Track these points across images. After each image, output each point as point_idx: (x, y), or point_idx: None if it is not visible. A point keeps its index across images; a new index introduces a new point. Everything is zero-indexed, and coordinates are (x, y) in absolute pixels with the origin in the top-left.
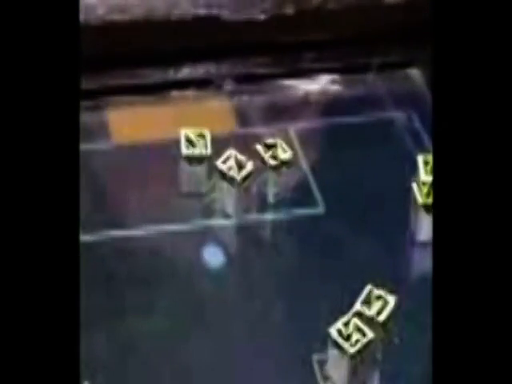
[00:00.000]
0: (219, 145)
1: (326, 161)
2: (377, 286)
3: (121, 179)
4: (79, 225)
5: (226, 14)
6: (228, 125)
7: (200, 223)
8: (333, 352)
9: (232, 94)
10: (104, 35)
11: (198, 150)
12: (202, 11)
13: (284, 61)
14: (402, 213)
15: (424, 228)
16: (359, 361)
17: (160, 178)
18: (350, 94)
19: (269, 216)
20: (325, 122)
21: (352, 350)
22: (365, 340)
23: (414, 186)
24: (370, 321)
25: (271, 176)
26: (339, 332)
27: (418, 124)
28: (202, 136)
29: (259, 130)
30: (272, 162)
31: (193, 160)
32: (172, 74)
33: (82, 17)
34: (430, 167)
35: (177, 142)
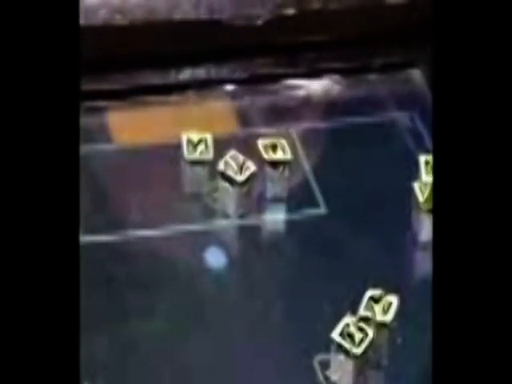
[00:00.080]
0: (221, 146)
1: (328, 162)
2: (379, 286)
3: (122, 182)
4: (79, 227)
5: (226, 15)
6: (229, 126)
7: (201, 225)
8: (336, 354)
9: (233, 95)
10: (105, 37)
11: (200, 153)
12: (203, 13)
13: (285, 62)
14: (403, 213)
15: (425, 229)
16: (364, 362)
17: (161, 180)
18: (351, 95)
19: (270, 217)
20: (327, 122)
21: (356, 351)
22: (368, 339)
23: (416, 186)
24: (373, 322)
25: (272, 177)
26: (342, 334)
27: (419, 125)
28: (203, 139)
29: (261, 131)
30: (272, 163)
31: (194, 162)
32: (173, 76)
33: (83, 19)
34: (431, 168)
35: (178, 144)
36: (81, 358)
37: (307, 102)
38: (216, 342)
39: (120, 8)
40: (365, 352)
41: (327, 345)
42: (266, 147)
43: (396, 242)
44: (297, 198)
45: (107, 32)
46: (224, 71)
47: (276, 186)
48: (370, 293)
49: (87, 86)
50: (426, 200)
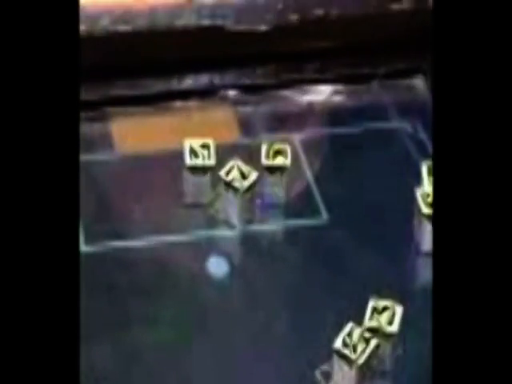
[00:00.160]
0: (223, 155)
1: (330, 169)
2: (382, 295)
3: (124, 189)
4: (79, 235)
5: (229, 23)
6: (232, 134)
7: (204, 233)
8: (339, 364)
9: (236, 102)
10: (108, 45)
11: (202, 161)
12: (205, 21)
13: (288, 70)
14: (406, 222)
15: (428, 238)
16: (366, 371)
17: (164, 189)
18: (354, 104)
19: (272, 226)
20: (329, 131)
21: (359, 361)
22: (370, 349)
23: (418, 195)
24: (376, 331)
25: (271, 183)
26: (344, 343)
27: (422, 133)
28: (205, 146)
29: (263, 138)
30: (270, 168)
31: (196, 170)
32: (175, 84)
33: (85, 27)
34: None
35: (180, 152)
36: (83, 366)
37: (310, 109)
38: (218, 350)
39: (123, 16)
40: (367, 361)
41: (330, 354)
42: (268, 152)
43: (399, 251)
44: (299, 206)
45: (110, 40)
46: (227, 78)
47: (278, 193)
48: (373, 302)
49: (90, 93)
50: (429, 209)
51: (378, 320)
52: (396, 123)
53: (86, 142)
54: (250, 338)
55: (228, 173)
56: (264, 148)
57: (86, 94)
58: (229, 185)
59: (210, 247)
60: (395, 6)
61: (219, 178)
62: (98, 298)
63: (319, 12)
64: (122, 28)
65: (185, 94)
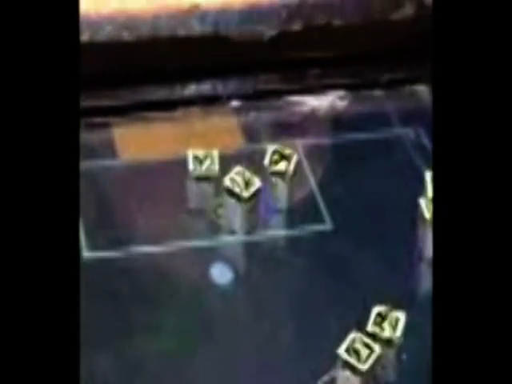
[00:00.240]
0: (226, 162)
1: (334, 178)
2: (386, 302)
3: (127, 197)
4: (79, 243)
5: (232, 31)
6: (235, 142)
7: (207, 241)
8: (343, 371)
9: (239, 111)
10: (111, 53)
11: (205, 169)
12: (208, 29)
13: (291, 77)
14: (410, 229)
15: (432, 245)
16: (370, 378)
17: (167, 196)
18: (357, 111)
19: (276, 233)
20: (332, 138)
21: (363, 367)
22: (374, 356)
23: (422, 202)
24: (380, 339)
25: (277, 190)
26: (348, 350)
27: (425, 140)
28: (209, 155)
29: (267, 146)
30: (275, 173)
31: (200, 178)
32: (178, 92)
33: (88, 35)
34: None
35: (183, 160)
36: (84, 375)
37: (313, 117)
38: (222, 358)
39: (126, 24)
40: (371, 368)
41: (334, 362)
42: (273, 156)
43: (403, 258)
44: (302, 214)
45: (113, 48)
46: (229, 87)
47: (281, 201)
48: (377, 309)
49: (93, 101)
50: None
51: (381, 327)
52: (399, 131)
53: (89, 149)
54: (254, 345)
55: (231, 180)
56: (268, 153)
57: (89, 102)
58: (232, 192)
59: (213, 255)
60: (398, 14)
61: (222, 186)
62: (100, 305)
63: (322, 20)
64: (125, 36)
65: (188, 102)
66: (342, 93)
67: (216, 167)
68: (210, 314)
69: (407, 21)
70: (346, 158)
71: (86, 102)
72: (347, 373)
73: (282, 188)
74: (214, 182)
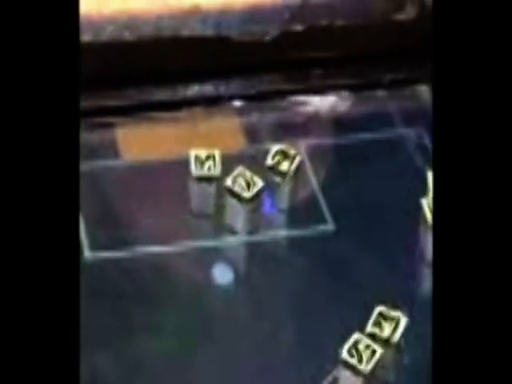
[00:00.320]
0: (229, 163)
1: (336, 178)
2: (387, 304)
3: (129, 198)
4: (79, 244)
5: (234, 32)
6: (237, 143)
7: (209, 242)
8: (345, 373)
9: (241, 111)
10: (113, 54)
11: (208, 170)
12: (210, 30)
13: (293, 78)
14: (412, 230)
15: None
16: (372, 379)
17: (169, 197)
18: (359, 111)
19: (278, 233)
20: (334, 138)
21: (365, 369)
22: (376, 357)
23: (424, 203)
24: (381, 341)
25: (281, 192)
26: (350, 351)
27: (427, 141)
28: (211, 156)
29: (269, 147)
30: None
31: (202, 179)
32: (181, 93)
33: (90, 35)
34: None
35: (186, 161)
36: (85, 375)
37: (315, 118)
38: (223, 359)
39: (128, 24)
40: (373, 371)
41: (335, 364)
42: (275, 156)
43: (404, 259)
44: (304, 215)
45: (115, 48)
46: (232, 87)
47: (283, 201)
48: (378, 310)
49: (95, 102)
50: None
51: (382, 327)
52: (401, 131)
53: (91, 149)
54: (255, 346)
55: (233, 182)
56: (271, 152)
57: (91, 102)
58: (234, 194)
59: (215, 256)
60: (399, 15)
61: (224, 187)
62: (101, 305)
63: (324, 21)
64: (127, 36)
65: (190, 103)
66: (344, 93)
67: (218, 168)
68: (212, 314)
69: (409, 21)
70: (349, 158)
71: (88, 103)
72: (349, 374)
73: (284, 188)
74: (216, 182)
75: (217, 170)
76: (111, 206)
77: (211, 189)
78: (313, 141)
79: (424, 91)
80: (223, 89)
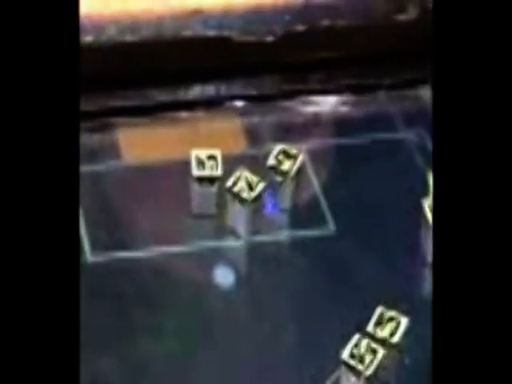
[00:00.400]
0: (230, 165)
1: (337, 179)
2: (387, 306)
3: (131, 200)
4: (79, 246)
5: (236, 34)
6: (239, 144)
7: (210, 244)
8: (346, 375)
9: (243, 112)
10: (115, 55)
11: (209, 171)
12: (212, 32)
13: (295, 79)
14: (413, 233)
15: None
16: (374, 382)
17: (170, 198)
18: (360, 114)
19: (279, 236)
20: (335, 141)
21: (367, 372)
22: (378, 359)
23: (425, 204)
24: (382, 342)
25: (282, 191)
26: (351, 354)
27: (428, 143)
28: (212, 157)
29: (270, 148)
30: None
31: (203, 181)
32: (182, 94)
33: (92, 37)
34: None
35: (187, 163)
36: (87, 377)
37: (317, 119)
38: (224, 361)
39: (130, 26)
40: (375, 372)
41: (336, 365)
42: (278, 155)
43: (405, 260)
44: (305, 217)
45: (116, 49)
46: (233, 88)
47: (285, 200)
48: (378, 313)
49: (96, 103)
50: None
51: (382, 330)
52: (403, 133)
53: (93, 151)
54: (256, 348)
55: (235, 183)
56: (274, 152)
57: (92, 104)
58: (235, 195)
59: (216, 257)
60: (401, 17)
61: (226, 189)
62: (103, 308)
63: (326, 23)
64: (129, 38)
65: (191, 105)
66: (346, 94)
67: (219, 169)
68: (213, 315)
69: (410, 24)
70: (350, 159)
71: (89, 104)
72: (351, 376)
73: (286, 187)
74: (217, 183)
75: (218, 171)
76: (112, 207)
77: (212, 190)
78: (314, 142)
79: (425, 93)
80: (225, 90)
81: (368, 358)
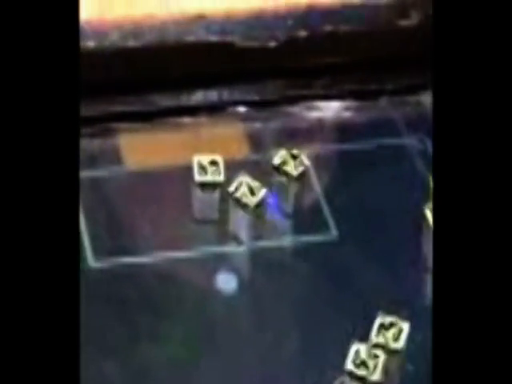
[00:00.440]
0: (232, 170)
1: (340, 185)
2: (390, 312)
3: (133, 205)
4: (79, 252)
5: (238, 39)
6: (241, 149)
7: (212, 249)
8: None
9: (245, 118)
10: (117, 60)
11: (211, 177)
12: (214, 37)
13: (297, 85)
14: (415, 239)
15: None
16: None
17: (173, 205)
18: (363, 119)
19: (281, 242)
20: (338, 147)
21: (375, 378)
22: (381, 364)
23: (427, 211)
24: (383, 348)
25: (286, 193)
26: (354, 363)
27: (430, 149)
28: (214, 162)
29: (272, 155)
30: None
31: (205, 186)
32: (184, 100)
33: (94, 43)
34: None
35: (189, 168)
36: (91, 382)
37: (319, 124)
38: (227, 367)
39: (132, 32)
40: (381, 377)
41: (339, 372)
42: (282, 157)
43: (407, 267)
44: (308, 222)
45: (119, 55)
46: (236, 94)
47: (288, 203)
48: (380, 319)
49: (99, 108)
50: None
51: (385, 336)
52: (405, 139)
53: (95, 157)
54: (259, 355)
55: (237, 189)
56: (279, 154)
57: (95, 110)
58: (238, 201)
59: (218, 263)
60: (403, 22)
61: (228, 194)
62: (106, 314)
63: (328, 28)
64: (132, 43)
65: (194, 110)
66: (347, 101)
67: (221, 175)
68: (215, 321)
69: (413, 29)
70: (352, 165)
71: (91, 109)
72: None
73: (289, 190)
74: (219, 189)
75: (220, 177)
76: (115, 213)
77: (215, 195)
78: (316, 147)
79: (428, 99)
80: (227, 95)
81: (372, 365)
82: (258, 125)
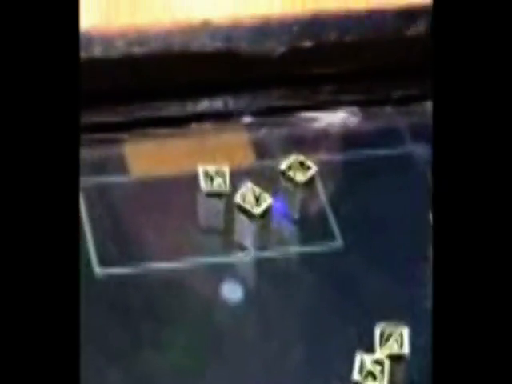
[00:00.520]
0: (238, 179)
1: (345, 194)
2: (395, 320)
3: (138, 213)
4: (79, 259)
5: (244, 47)
6: (247, 158)
7: (218, 258)
8: None
9: (250, 127)
10: (123, 69)
11: (217, 186)
12: (220, 45)
13: (303, 94)
14: (421, 248)
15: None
16: None
17: (178, 212)
18: (369, 127)
19: (287, 251)
20: (344, 154)
21: None
22: (387, 370)
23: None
24: (389, 356)
25: (292, 200)
26: (361, 374)
27: None
28: (220, 170)
29: (278, 163)
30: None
31: (211, 195)
32: (190, 107)
33: (100, 50)
34: None
35: (195, 177)
36: None
37: (324, 133)
38: (232, 376)
39: (138, 39)
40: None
41: (342, 380)
42: (290, 164)
43: (413, 275)
44: (313, 231)
45: (125, 63)
46: (241, 103)
47: (294, 211)
48: (382, 326)
49: (104, 117)
50: None
51: (387, 343)
52: (411, 148)
53: (101, 164)
54: (264, 364)
55: (243, 198)
56: (286, 160)
57: (100, 117)
58: (243, 210)
59: (224, 272)
60: (410, 31)
61: (234, 203)
62: (111, 321)
63: (333, 37)
64: (137, 51)
65: (199, 118)
66: (353, 109)
67: (227, 183)
68: (221, 331)
69: (419, 38)
70: (358, 173)
71: (96, 118)
72: None
73: (296, 197)
74: (225, 198)
75: (226, 186)
76: (120, 222)
77: (220, 204)
78: (322, 156)
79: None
80: (232, 104)
81: (378, 372)
82: (263, 133)
